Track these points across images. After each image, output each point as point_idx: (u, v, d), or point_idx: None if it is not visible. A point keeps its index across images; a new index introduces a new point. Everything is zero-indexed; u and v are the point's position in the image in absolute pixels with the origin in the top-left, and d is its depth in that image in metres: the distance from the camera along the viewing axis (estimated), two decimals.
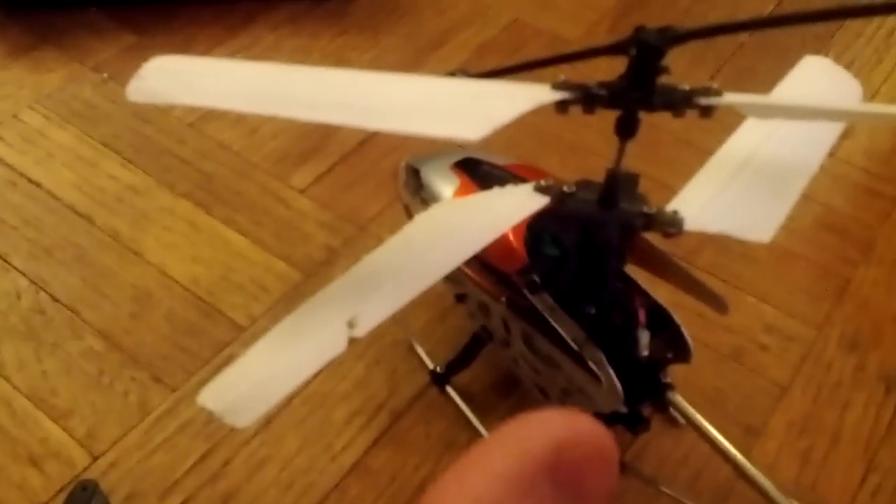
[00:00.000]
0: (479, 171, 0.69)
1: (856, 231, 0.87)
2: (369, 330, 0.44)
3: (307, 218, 0.85)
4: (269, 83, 0.51)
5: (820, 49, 1.08)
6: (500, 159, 0.70)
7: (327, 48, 1.03)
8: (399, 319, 0.77)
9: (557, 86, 0.48)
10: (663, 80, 0.48)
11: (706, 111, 0.48)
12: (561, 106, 0.48)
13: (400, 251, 0.51)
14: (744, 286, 0.81)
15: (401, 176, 0.72)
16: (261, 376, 0.43)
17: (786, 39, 1.09)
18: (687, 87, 0.48)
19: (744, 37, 1.09)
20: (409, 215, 0.72)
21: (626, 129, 0.50)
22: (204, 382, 0.71)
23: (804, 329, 0.78)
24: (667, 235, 0.51)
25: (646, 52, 0.47)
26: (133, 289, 0.78)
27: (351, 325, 0.46)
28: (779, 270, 0.83)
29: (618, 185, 0.53)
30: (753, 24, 0.45)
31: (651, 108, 0.48)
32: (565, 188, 0.52)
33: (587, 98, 0.48)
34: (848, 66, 1.05)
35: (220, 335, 0.76)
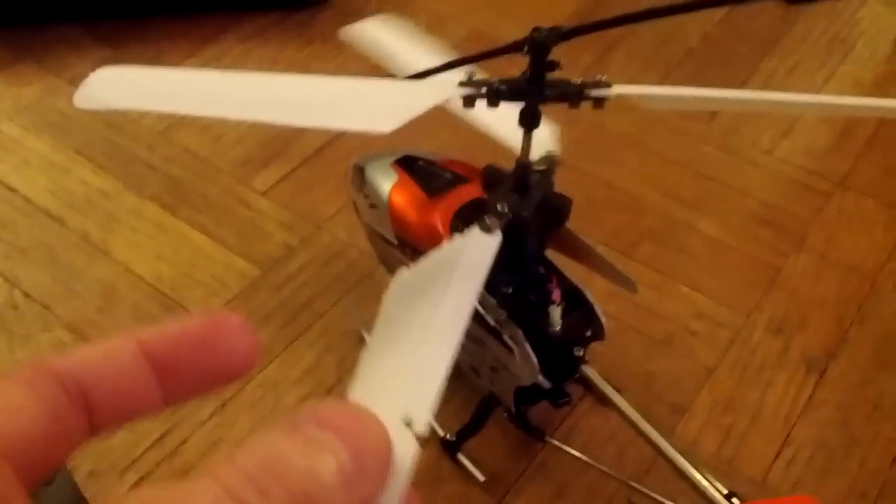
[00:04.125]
0: (415, 167, 0.74)
1: (789, 224, 0.92)
2: (429, 423, 0.45)
3: (267, 218, 0.90)
4: (204, 87, 0.56)
5: (766, 53, 1.12)
6: (434, 156, 0.75)
7: (293, 58, 1.09)
8: (349, 311, 0.82)
9: (464, 83, 0.54)
10: (558, 74, 0.53)
11: (598, 102, 0.53)
12: (467, 100, 0.54)
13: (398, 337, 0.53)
14: (678, 277, 0.86)
15: (349, 174, 0.77)
16: None
17: (732, 44, 1.14)
18: (578, 80, 0.53)
19: (693, 42, 1.14)
20: (356, 211, 0.77)
21: (528, 121, 0.55)
22: None
23: (733, 316, 0.83)
24: None
25: (537, 49, 0.52)
26: (100, 285, 0.84)
27: (408, 424, 0.47)
28: (713, 262, 0.88)
29: (528, 174, 0.59)
30: (639, 16, 0.50)
31: (546, 100, 0.53)
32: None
33: (490, 93, 0.53)
34: (793, 69, 1.10)
35: None
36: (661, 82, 1.08)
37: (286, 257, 0.87)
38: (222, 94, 0.55)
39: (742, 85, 1.08)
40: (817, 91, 1.08)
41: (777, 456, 0.73)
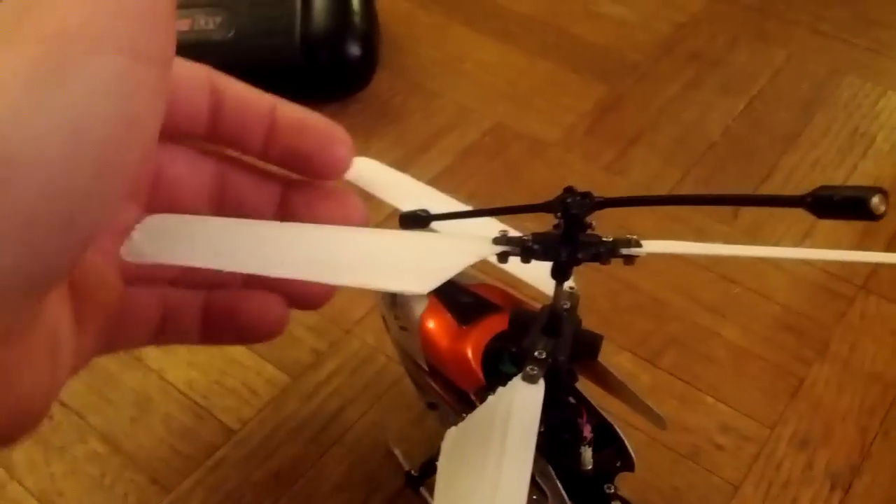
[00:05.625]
0: (446, 291, 0.75)
1: (812, 330, 0.93)
2: None
3: (296, 322, 0.92)
4: (243, 240, 0.57)
5: (787, 148, 1.14)
6: (468, 278, 0.77)
7: None
8: (378, 423, 0.83)
9: (498, 240, 0.55)
10: (590, 233, 0.54)
11: (629, 259, 0.54)
12: (501, 257, 0.55)
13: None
14: (703, 387, 0.87)
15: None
16: None
17: (754, 138, 1.15)
18: (610, 238, 0.54)
19: (715, 137, 1.16)
20: (387, 327, 0.79)
21: (559, 275, 0.56)
22: (197, 484, 0.78)
23: (758, 428, 0.84)
24: None
25: (569, 215, 0.54)
26: (134, 393, 0.85)
27: None
28: (737, 370, 0.89)
29: (559, 319, 0.60)
30: (670, 200, 0.51)
31: (578, 261, 0.55)
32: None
33: (524, 251, 0.55)
34: (814, 165, 1.12)
35: (212, 438, 0.82)
36: (682, 178, 1.09)
37: (315, 364, 0.88)
38: (258, 250, 0.56)
39: (763, 181, 1.09)
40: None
41: None
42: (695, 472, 0.81)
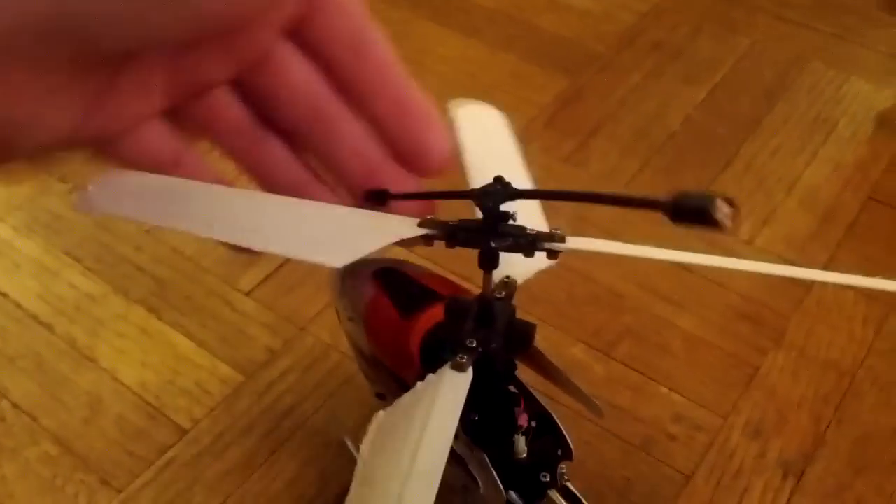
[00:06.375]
0: (393, 281, 0.75)
1: (769, 319, 0.93)
2: None
3: (251, 320, 0.92)
4: (185, 199, 0.57)
5: (748, 135, 1.14)
6: (418, 269, 0.76)
7: None
8: (331, 419, 0.83)
9: (423, 223, 0.55)
10: (514, 224, 0.54)
11: (552, 254, 0.54)
12: (426, 240, 0.55)
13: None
14: (657, 377, 0.87)
15: (330, 279, 0.78)
16: None
17: (714, 127, 1.15)
18: (534, 231, 0.54)
19: (675, 126, 1.15)
20: (339, 319, 0.79)
21: (486, 263, 0.56)
22: (147, 484, 0.77)
23: (711, 418, 0.84)
24: None
25: (486, 206, 0.53)
26: (87, 395, 0.85)
27: None
28: (691, 360, 0.89)
29: (492, 307, 0.60)
30: (578, 197, 0.51)
31: (502, 249, 0.54)
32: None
33: (447, 236, 0.54)
34: (775, 152, 1.12)
35: (163, 438, 0.82)
36: (640, 169, 1.09)
37: (269, 362, 0.88)
38: (196, 212, 0.56)
39: (724, 169, 1.09)
40: (798, 175, 1.09)
41: None
42: (646, 463, 0.81)
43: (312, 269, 0.96)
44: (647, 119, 1.16)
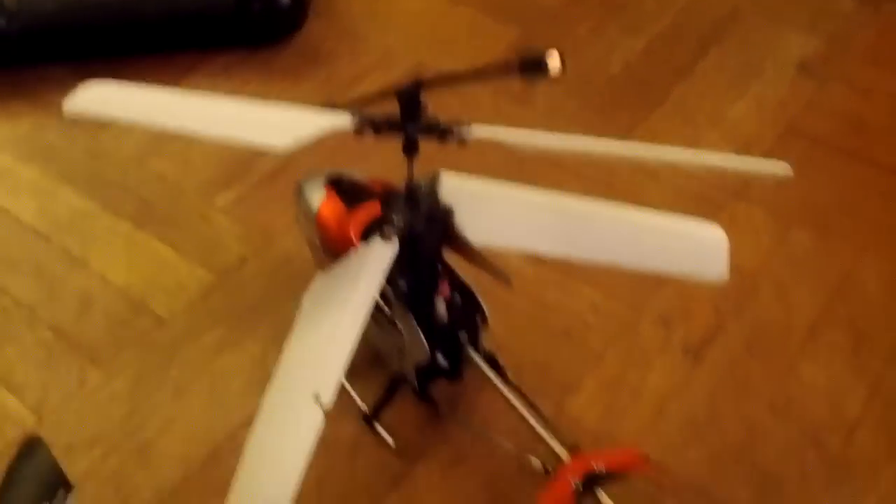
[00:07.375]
0: (342, 185, 0.87)
1: None
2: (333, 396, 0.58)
3: (226, 233, 1.04)
4: (159, 103, 0.72)
5: (680, 79, 1.25)
6: (361, 176, 0.88)
7: (255, 92, 1.22)
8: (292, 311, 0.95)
9: (354, 115, 0.67)
10: (431, 115, 0.67)
11: (461, 141, 0.66)
12: (357, 130, 0.67)
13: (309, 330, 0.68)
14: (580, 276, 0.98)
15: (294, 192, 0.90)
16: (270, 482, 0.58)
17: (650, 71, 1.27)
18: (445, 120, 0.66)
19: (615, 70, 1.27)
20: (298, 223, 0.91)
21: (409, 149, 0.68)
22: (130, 363, 0.89)
23: (625, 310, 0.95)
24: None
25: (408, 95, 0.66)
26: (79, 292, 0.97)
27: (317, 399, 0.59)
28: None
29: (417, 191, 0.72)
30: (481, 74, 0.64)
31: (421, 134, 0.67)
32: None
33: (375, 125, 0.66)
34: (704, 94, 1.23)
35: (145, 326, 0.94)
36: (582, 107, 1.21)
37: (240, 266, 1.00)
38: (169, 111, 0.70)
39: (656, 108, 1.21)
40: (724, 114, 1.20)
41: (650, 429, 0.85)
42: (565, 346, 0.92)
43: (281, 191, 1.08)
44: (590, 65, 1.27)
